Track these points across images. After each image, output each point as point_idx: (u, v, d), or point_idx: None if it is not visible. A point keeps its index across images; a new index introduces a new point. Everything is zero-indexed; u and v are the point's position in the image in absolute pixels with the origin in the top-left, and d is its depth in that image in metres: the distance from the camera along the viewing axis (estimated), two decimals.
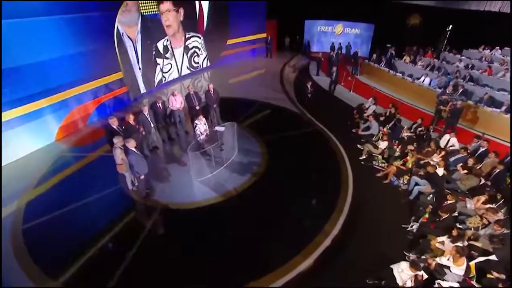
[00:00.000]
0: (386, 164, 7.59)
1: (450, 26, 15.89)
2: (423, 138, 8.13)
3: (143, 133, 6.83)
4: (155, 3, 10.83)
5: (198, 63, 14.01)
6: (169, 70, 12.34)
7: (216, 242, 5.17)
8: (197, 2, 12.78)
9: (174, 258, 4.87)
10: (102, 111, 9.61)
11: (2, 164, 7.12)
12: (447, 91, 9.72)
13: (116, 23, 9.34)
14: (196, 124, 6.58)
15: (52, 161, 7.43)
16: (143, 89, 11.05)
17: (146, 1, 10.48)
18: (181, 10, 12.10)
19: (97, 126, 9.17)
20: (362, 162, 7.69)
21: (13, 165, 7.28)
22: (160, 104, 7.39)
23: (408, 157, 7.02)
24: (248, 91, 11.99)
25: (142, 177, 5.64)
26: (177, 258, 4.88)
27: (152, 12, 10.86)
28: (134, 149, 5.40)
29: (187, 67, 13.50)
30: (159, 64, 11.62)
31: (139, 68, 10.68)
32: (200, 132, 6.63)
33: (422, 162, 7.17)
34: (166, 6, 11.40)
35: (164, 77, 12.13)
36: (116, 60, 9.65)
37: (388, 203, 6.39)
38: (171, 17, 11.71)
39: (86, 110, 9.07)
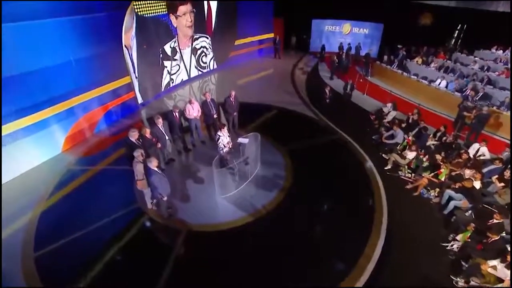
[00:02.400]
0: (413, 174, 7.27)
1: (460, 26, 15.59)
2: (451, 147, 7.80)
3: (159, 146, 6.33)
4: (163, 3, 10.22)
5: (206, 63, 13.48)
6: (177, 72, 11.78)
7: (252, 269, 4.76)
8: (205, 2, 12.21)
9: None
10: (110, 119, 9.06)
11: (6, 180, 6.58)
12: (470, 96, 9.40)
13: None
14: (219, 136, 6.12)
15: (60, 175, 6.89)
16: (140, 99, 10.20)
17: (152, 2, 9.82)
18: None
19: (105, 135, 8.64)
20: (388, 173, 7.35)
21: (18, 180, 6.73)
22: (177, 114, 6.90)
23: (442, 169, 6.67)
24: (260, 95, 11.52)
25: (165, 198, 5.17)
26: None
27: (154, 14, 10.08)
28: (156, 169, 4.92)
29: (195, 67, 12.96)
30: (166, 67, 11.06)
31: (136, 77, 9.81)
32: (223, 145, 6.17)
33: (454, 173, 6.86)
34: (189, 6, 11.12)
35: (172, 79, 11.58)
36: (123, 64, 9.09)
37: (421, 218, 6.08)
38: (192, 17, 11.52)
39: (93, 118, 8.51)
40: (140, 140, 5.76)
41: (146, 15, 9.73)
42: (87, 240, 5.21)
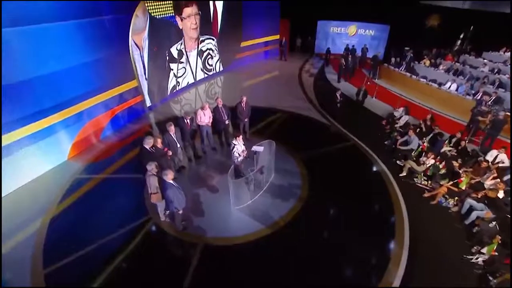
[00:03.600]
0: (429, 182, 7.09)
1: (468, 28, 15.41)
2: (467, 153, 7.61)
3: (170, 155, 6.11)
4: (170, 4, 9.98)
5: (212, 65, 13.25)
6: (183, 75, 11.54)
7: (273, 285, 4.54)
8: (211, 3, 11.97)
9: None
10: (116, 124, 8.82)
11: (12, 189, 6.35)
12: (484, 100, 9.21)
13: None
14: (234, 145, 5.90)
15: (68, 184, 6.65)
16: (148, 102, 9.99)
17: (160, 3, 9.59)
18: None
19: (112, 141, 8.39)
20: (403, 180, 7.16)
21: (24, 189, 6.49)
22: (188, 121, 6.68)
23: (462, 178, 6.48)
24: (268, 98, 11.26)
25: (181, 211, 4.95)
26: None
27: (164, 15, 9.87)
28: (172, 182, 4.70)
29: (201, 70, 12.73)
30: (172, 69, 10.82)
31: (146, 79, 9.57)
32: (238, 154, 5.95)
33: (473, 181, 6.68)
34: (195, 9, 10.95)
35: (178, 82, 11.34)
36: (130, 67, 8.84)
37: (441, 228, 5.87)
38: (198, 20, 11.32)
39: (100, 123, 8.27)
40: (154, 148, 5.53)
41: (157, 17, 9.55)
42: (98, 255, 4.99)
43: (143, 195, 6.18)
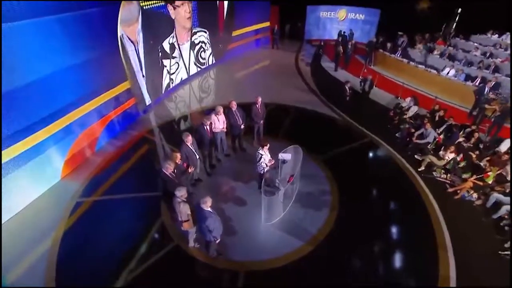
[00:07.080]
0: (448, 175, 7.05)
1: (456, 10, 15.47)
2: (483, 144, 7.63)
3: (191, 170, 5.45)
4: None
5: (204, 58, 12.27)
6: (176, 70, 10.54)
7: None
8: None
9: None
10: (111, 132, 7.85)
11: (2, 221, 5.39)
12: (488, 87, 9.23)
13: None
14: (261, 155, 5.35)
15: (68, 211, 5.71)
16: (148, 100, 9.12)
17: None
18: None
19: (108, 152, 7.45)
20: (422, 174, 7.07)
21: (15, 220, 5.52)
22: (208, 127, 6.00)
23: (489, 172, 6.45)
24: (267, 92, 10.49)
25: (219, 240, 4.39)
26: None
27: (156, 5, 8.77)
28: (210, 209, 4.11)
29: (194, 64, 11.75)
30: (165, 66, 9.80)
31: (143, 76, 8.63)
32: (265, 164, 5.43)
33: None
34: None
35: (171, 79, 10.35)
36: (121, 67, 7.79)
37: (470, 223, 5.84)
38: (191, 8, 10.35)
39: (94, 133, 7.28)
40: (175, 171, 4.83)
41: (146, 7, 8.41)
42: None
43: (161, 217, 5.53)
